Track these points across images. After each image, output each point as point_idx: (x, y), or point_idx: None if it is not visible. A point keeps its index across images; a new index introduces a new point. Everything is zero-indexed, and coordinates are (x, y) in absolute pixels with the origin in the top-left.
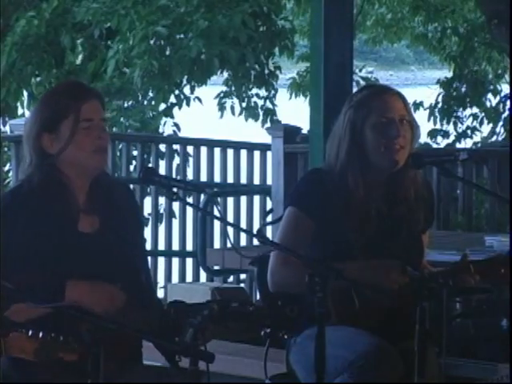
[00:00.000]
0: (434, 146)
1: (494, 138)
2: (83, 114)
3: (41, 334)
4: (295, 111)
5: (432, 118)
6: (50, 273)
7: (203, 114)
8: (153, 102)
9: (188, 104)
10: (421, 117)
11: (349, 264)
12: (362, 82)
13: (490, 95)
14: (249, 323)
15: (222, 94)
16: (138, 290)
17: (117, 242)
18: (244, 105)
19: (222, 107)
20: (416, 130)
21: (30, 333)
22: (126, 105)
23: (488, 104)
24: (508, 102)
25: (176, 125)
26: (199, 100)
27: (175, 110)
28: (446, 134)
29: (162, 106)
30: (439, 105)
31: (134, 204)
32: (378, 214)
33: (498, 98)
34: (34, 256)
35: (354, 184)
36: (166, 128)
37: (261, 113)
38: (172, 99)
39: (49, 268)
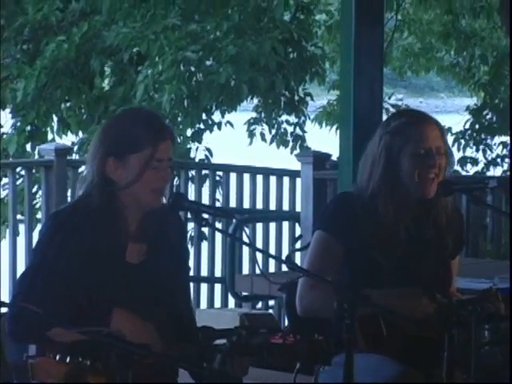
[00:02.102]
0: (463, 173)
1: None
2: (158, 154)
3: (68, 359)
4: (325, 138)
5: (456, 144)
6: (96, 299)
7: (233, 139)
8: (180, 127)
9: (219, 128)
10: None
11: (376, 291)
12: (392, 110)
13: None
14: (284, 356)
15: (251, 121)
16: (180, 321)
17: (163, 273)
18: (273, 131)
19: (251, 134)
20: (451, 159)
21: (58, 357)
22: None
23: None
24: None
25: (208, 149)
26: (231, 124)
27: (206, 134)
28: (475, 162)
29: (190, 131)
30: (468, 132)
31: (183, 234)
32: (407, 238)
33: None
34: (82, 280)
35: (384, 208)
36: (198, 153)
37: (290, 139)
38: (200, 124)
39: (94, 294)
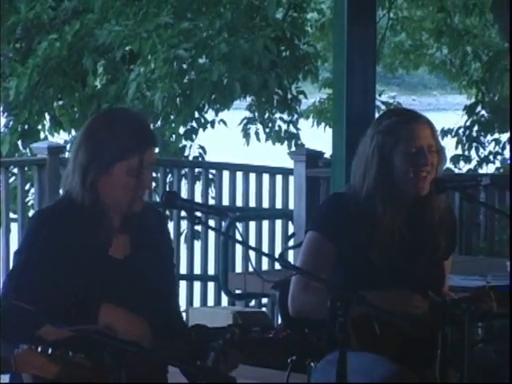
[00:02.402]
0: (456, 171)
1: None
2: (145, 162)
3: (50, 350)
4: (319, 135)
5: (460, 145)
6: (82, 295)
7: (226, 137)
8: (173, 125)
9: (213, 126)
10: (448, 143)
11: (369, 292)
12: (383, 107)
13: None
14: (275, 350)
15: (245, 120)
16: (167, 316)
17: (147, 268)
18: (268, 130)
19: (246, 134)
20: (443, 156)
21: (40, 349)
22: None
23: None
24: None
25: (202, 148)
26: (224, 123)
27: (200, 132)
28: (467, 159)
29: (183, 129)
30: (464, 130)
31: (165, 229)
32: (401, 239)
33: None
34: (67, 277)
35: (382, 209)
36: (192, 151)
37: (285, 136)
38: (193, 123)
39: (80, 290)
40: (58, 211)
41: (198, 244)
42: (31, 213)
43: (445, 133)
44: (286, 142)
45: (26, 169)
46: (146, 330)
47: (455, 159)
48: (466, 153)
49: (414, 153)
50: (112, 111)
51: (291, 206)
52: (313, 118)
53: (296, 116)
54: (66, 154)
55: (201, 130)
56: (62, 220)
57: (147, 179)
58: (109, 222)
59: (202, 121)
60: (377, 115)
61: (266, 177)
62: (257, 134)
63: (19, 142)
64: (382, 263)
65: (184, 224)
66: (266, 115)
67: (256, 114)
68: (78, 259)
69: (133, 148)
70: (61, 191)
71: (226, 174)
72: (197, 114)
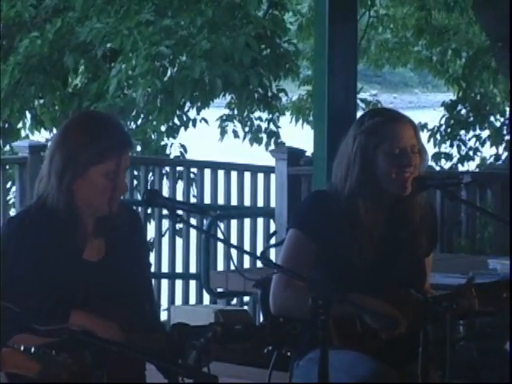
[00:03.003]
0: (438, 168)
1: (498, 162)
2: (121, 165)
3: (32, 349)
4: (300, 133)
5: (432, 140)
6: (55, 299)
7: (208, 135)
8: (154, 123)
9: (194, 125)
10: (423, 139)
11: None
12: (362, 105)
13: (494, 118)
14: (251, 343)
15: (224, 117)
16: (142, 316)
17: (121, 269)
18: (247, 129)
19: (223, 131)
20: (425, 156)
21: (22, 348)
22: (129, 125)
23: (492, 127)
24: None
25: (183, 146)
26: (205, 121)
27: (181, 131)
28: (449, 157)
29: (165, 127)
30: (442, 127)
31: (140, 228)
32: (381, 238)
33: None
34: (40, 281)
35: (364, 209)
36: (173, 150)
37: (264, 136)
38: (175, 120)
39: (53, 294)
40: (30, 217)
41: (179, 242)
42: (12, 211)
43: (422, 128)
44: (264, 142)
45: (7, 167)
46: (118, 334)
47: (437, 157)
48: (448, 150)
49: (398, 154)
50: (88, 114)
51: (273, 204)
52: (291, 114)
53: (277, 114)
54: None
55: (181, 128)
56: (33, 225)
57: (123, 182)
58: (83, 226)
59: (184, 118)
60: (359, 114)
61: (247, 175)
62: (235, 131)
63: (0, 141)
64: (362, 262)
65: (165, 222)
66: (245, 114)
67: (235, 112)
68: (51, 264)
69: (110, 151)
70: None
71: (207, 172)
72: (178, 112)
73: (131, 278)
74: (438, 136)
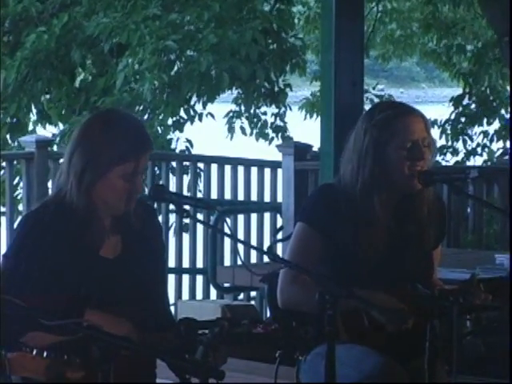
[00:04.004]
0: (443, 163)
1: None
2: (140, 167)
3: (45, 354)
4: (307, 128)
5: (444, 135)
6: (71, 297)
7: (214, 130)
8: (161, 117)
9: (200, 119)
10: (435, 135)
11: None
12: (376, 100)
13: (503, 112)
14: (263, 344)
15: (231, 114)
16: (156, 314)
17: (138, 267)
18: (253, 125)
19: (231, 128)
20: (434, 149)
21: (35, 352)
22: None
23: (499, 121)
24: None
25: (189, 141)
26: (212, 116)
27: (187, 125)
28: (455, 152)
29: (171, 121)
30: (452, 122)
31: (156, 225)
32: (388, 232)
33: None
34: (56, 279)
35: (379, 202)
36: (179, 144)
37: (270, 131)
38: (182, 114)
39: (69, 292)
40: (47, 214)
41: (186, 237)
42: (20, 206)
43: (432, 125)
44: (270, 137)
45: (14, 162)
46: (132, 333)
47: (442, 151)
48: (454, 145)
49: (410, 147)
50: (109, 113)
51: (280, 199)
52: (305, 111)
53: (283, 109)
54: (55, 148)
55: (188, 123)
56: (49, 222)
57: (139, 183)
58: (100, 223)
59: (191, 112)
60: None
61: (254, 170)
62: (242, 128)
63: (7, 136)
64: (369, 257)
65: (172, 217)
66: (252, 109)
67: (242, 108)
68: (68, 261)
69: (130, 153)
70: (49, 184)
71: (214, 167)
72: (185, 106)
73: (146, 276)
74: (449, 131)
